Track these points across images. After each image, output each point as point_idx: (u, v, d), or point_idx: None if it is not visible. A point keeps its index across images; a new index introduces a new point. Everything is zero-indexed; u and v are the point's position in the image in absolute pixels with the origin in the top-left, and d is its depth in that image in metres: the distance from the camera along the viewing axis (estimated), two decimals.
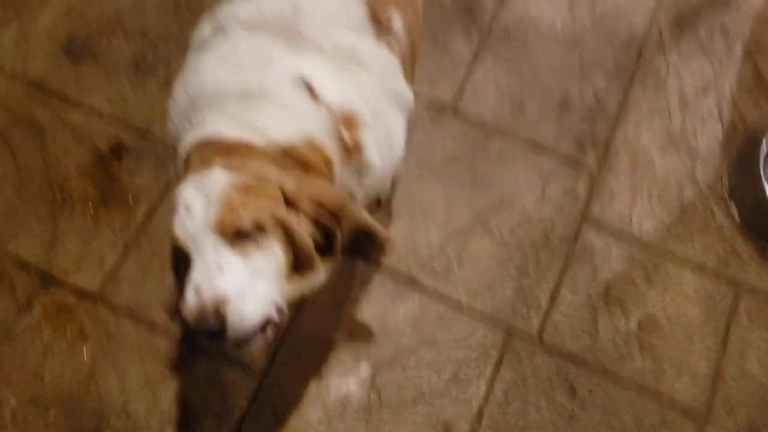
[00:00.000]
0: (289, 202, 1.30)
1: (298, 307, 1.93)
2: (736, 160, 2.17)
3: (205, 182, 1.27)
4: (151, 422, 1.84)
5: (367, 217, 1.39)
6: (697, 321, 1.99)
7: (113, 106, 2.19)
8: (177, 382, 1.88)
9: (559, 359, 1.94)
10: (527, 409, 1.88)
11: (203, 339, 1.21)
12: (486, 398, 1.89)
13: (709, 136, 2.23)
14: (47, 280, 1.98)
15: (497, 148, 2.19)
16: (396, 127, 1.59)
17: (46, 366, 1.89)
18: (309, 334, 1.94)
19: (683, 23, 2.41)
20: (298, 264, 1.32)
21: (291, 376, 1.90)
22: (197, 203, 1.26)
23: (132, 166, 2.12)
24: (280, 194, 1.29)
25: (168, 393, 1.87)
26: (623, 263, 2.05)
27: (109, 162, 2.12)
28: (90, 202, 2.07)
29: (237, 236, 1.23)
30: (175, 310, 1.85)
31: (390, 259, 2.02)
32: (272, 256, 1.26)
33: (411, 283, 2.01)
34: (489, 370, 1.92)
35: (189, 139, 1.40)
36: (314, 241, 1.33)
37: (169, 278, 1.90)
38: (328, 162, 1.40)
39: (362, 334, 1.95)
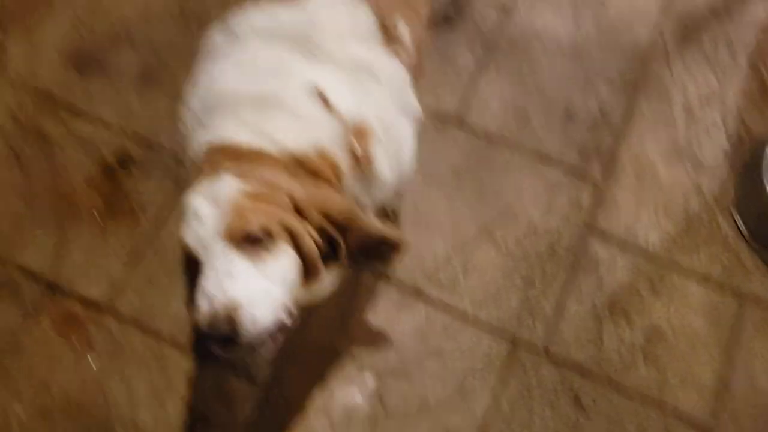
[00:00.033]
0: (297, 210, 1.31)
1: (304, 317, 1.93)
2: (742, 171, 2.17)
3: (214, 188, 1.28)
4: None
5: (377, 225, 1.41)
6: (702, 332, 1.99)
7: (120, 117, 2.21)
8: (184, 392, 1.88)
9: (564, 369, 1.94)
10: (532, 419, 1.89)
11: (214, 345, 1.22)
12: (491, 408, 1.89)
13: (714, 147, 2.23)
14: (55, 290, 1.99)
15: (502, 159, 2.20)
16: (406, 140, 1.60)
17: (53, 376, 1.90)
18: (315, 344, 1.95)
19: (688, 34, 2.41)
20: (304, 271, 1.33)
21: (297, 386, 1.91)
22: (207, 209, 1.27)
23: (139, 177, 2.13)
24: (289, 202, 1.30)
25: (175, 403, 1.87)
26: (628, 274, 2.05)
27: (116, 172, 2.14)
28: (97, 213, 2.09)
29: (246, 242, 1.24)
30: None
31: (396, 270, 2.03)
32: (282, 261, 1.27)
33: (416, 293, 2.01)
34: (494, 380, 1.92)
35: (200, 142, 1.41)
36: (320, 250, 1.34)
37: (180, 285, 1.94)
38: (338, 172, 1.41)
39: (368, 344, 1.96)
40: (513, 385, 1.92)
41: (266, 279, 1.25)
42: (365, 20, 1.54)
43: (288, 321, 1.28)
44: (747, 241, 2.09)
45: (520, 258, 2.07)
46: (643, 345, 1.96)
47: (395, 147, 1.54)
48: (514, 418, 1.88)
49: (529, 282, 2.04)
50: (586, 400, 1.91)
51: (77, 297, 1.98)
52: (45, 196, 2.11)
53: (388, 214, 2.03)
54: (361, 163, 1.44)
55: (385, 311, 1.99)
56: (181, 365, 1.90)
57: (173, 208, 2.07)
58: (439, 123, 2.23)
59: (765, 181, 2.04)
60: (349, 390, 1.90)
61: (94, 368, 1.90)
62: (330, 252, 1.36)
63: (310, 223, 1.31)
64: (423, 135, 1.66)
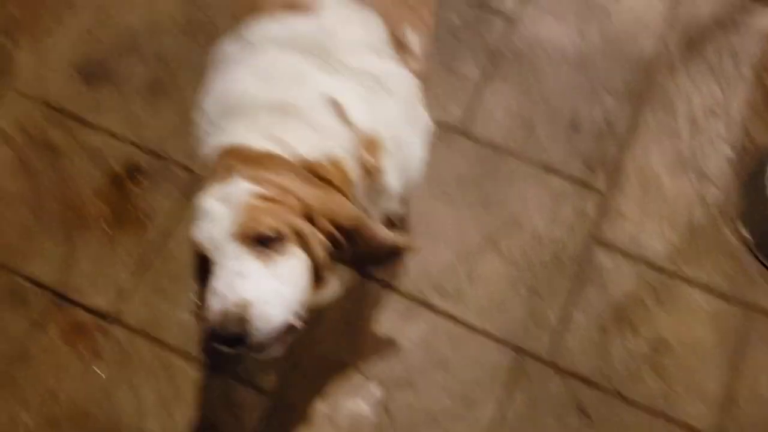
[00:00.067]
0: (307, 215, 1.32)
1: (310, 327, 1.94)
2: (746, 181, 2.17)
3: (227, 190, 1.30)
4: None
5: (385, 233, 1.42)
6: (709, 343, 1.99)
7: (128, 128, 2.22)
8: (191, 401, 1.89)
9: (569, 380, 1.94)
10: (538, 430, 1.89)
11: (224, 346, 1.23)
12: (496, 419, 1.90)
13: (718, 157, 2.24)
14: (62, 299, 2.00)
15: (508, 169, 2.21)
16: (415, 152, 1.61)
17: (61, 385, 1.91)
18: (320, 354, 1.96)
19: (692, 45, 2.42)
20: (312, 275, 1.34)
21: (303, 396, 1.91)
22: (219, 211, 1.28)
23: (146, 187, 2.15)
24: (300, 206, 1.31)
25: (182, 412, 1.88)
26: (633, 284, 2.06)
27: (123, 182, 2.15)
28: (105, 222, 2.10)
29: (257, 243, 1.25)
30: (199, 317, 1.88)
31: (401, 280, 2.04)
32: (291, 263, 1.29)
33: (422, 303, 2.02)
34: (500, 391, 1.93)
35: (214, 145, 1.42)
36: (328, 255, 1.35)
37: (188, 293, 1.95)
38: (348, 181, 1.42)
39: (374, 354, 1.96)
40: (518, 396, 1.92)
41: (276, 280, 1.26)
42: (377, 31, 1.56)
43: (296, 323, 1.30)
44: (752, 252, 2.09)
45: (525, 268, 2.07)
46: (648, 356, 1.97)
47: (404, 159, 1.56)
48: (520, 429, 1.89)
49: (535, 292, 2.04)
50: (592, 411, 1.91)
51: (85, 306, 1.99)
52: (53, 205, 2.12)
53: (394, 222, 2.04)
54: (371, 174, 1.46)
55: (390, 321, 2.00)
56: (189, 374, 1.91)
57: (181, 217, 2.08)
58: (444, 133, 2.23)
59: None
60: (355, 400, 1.91)
61: (102, 377, 1.91)
62: (337, 257, 1.38)
63: (320, 227, 1.33)
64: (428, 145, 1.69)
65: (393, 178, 1.51)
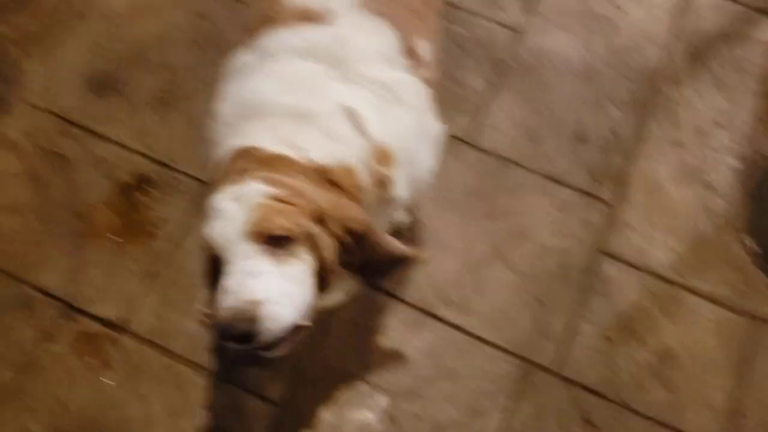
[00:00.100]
0: (318, 218, 1.34)
1: (316, 336, 1.96)
2: (752, 192, 2.18)
3: (241, 191, 1.32)
4: None
5: (392, 242, 1.44)
6: (715, 354, 1.99)
7: (137, 139, 2.24)
8: (199, 410, 1.90)
9: (576, 390, 1.95)
10: None
11: (233, 343, 1.24)
12: (503, 430, 1.90)
13: (724, 169, 2.24)
14: (72, 309, 2.01)
15: (514, 180, 2.22)
16: (425, 163, 1.64)
17: (70, 394, 1.92)
18: (327, 364, 1.96)
19: (698, 56, 2.43)
20: (319, 278, 1.36)
21: (310, 405, 1.92)
22: (233, 210, 1.30)
23: (155, 197, 2.16)
24: (312, 209, 1.33)
25: (190, 421, 1.89)
26: (640, 295, 2.06)
27: (132, 193, 2.17)
28: (114, 233, 2.11)
29: (270, 243, 1.28)
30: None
31: (407, 290, 2.04)
32: (301, 265, 1.31)
33: (428, 313, 2.02)
34: (506, 401, 1.93)
35: (230, 146, 1.44)
36: (336, 259, 1.37)
37: (196, 303, 1.96)
38: (358, 189, 1.44)
39: (380, 364, 1.97)
40: (525, 406, 1.92)
41: (286, 280, 1.28)
42: (389, 40, 1.58)
43: (304, 323, 1.32)
44: (758, 263, 2.09)
45: (532, 278, 2.08)
46: (655, 366, 1.97)
47: (414, 170, 1.58)
48: None
49: (541, 302, 2.05)
50: (598, 421, 1.91)
51: (94, 316, 2.00)
52: (63, 215, 2.14)
53: (400, 232, 2.04)
54: (382, 185, 1.48)
55: (397, 331, 2.01)
56: (197, 383, 1.92)
57: (189, 227, 2.10)
58: (450, 144, 2.23)
59: None
60: (361, 410, 1.92)
61: (111, 386, 1.92)
62: (345, 263, 1.40)
63: (330, 232, 1.35)
64: None
65: (402, 189, 1.53)
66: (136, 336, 1.98)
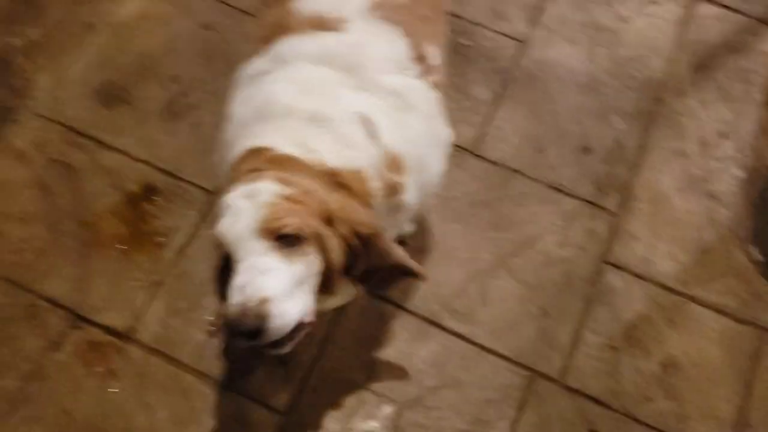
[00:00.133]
0: (327, 219, 1.36)
1: (321, 346, 1.97)
2: (757, 202, 2.18)
3: (253, 189, 1.34)
4: None
5: (399, 253, 1.45)
6: (720, 364, 1.99)
7: (145, 149, 2.25)
8: (205, 419, 1.90)
9: (581, 400, 1.95)
10: None
11: (241, 339, 1.26)
12: None
13: (729, 179, 2.25)
14: (78, 318, 2.02)
15: (519, 190, 2.22)
16: (434, 168, 1.66)
17: (76, 403, 1.92)
18: (333, 373, 1.97)
19: (702, 67, 2.44)
20: (324, 279, 1.38)
21: (315, 415, 1.92)
22: (244, 207, 1.32)
23: (162, 207, 2.17)
24: (322, 210, 1.35)
25: (195, 430, 1.89)
26: (644, 305, 2.06)
27: (139, 203, 2.18)
28: (121, 242, 2.12)
29: (279, 242, 1.29)
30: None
31: (412, 300, 2.05)
32: (309, 264, 1.33)
33: (433, 323, 2.03)
34: (511, 411, 1.93)
35: (243, 146, 1.46)
36: (342, 261, 1.39)
37: (202, 313, 1.96)
38: (368, 194, 1.45)
39: (385, 374, 1.97)
40: (530, 416, 1.92)
41: (295, 278, 1.30)
42: (400, 46, 1.60)
43: (309, 321, 1.34)
44: (763, 273, 2.09)
45: (537, 288, 2.08)
46: (659, 376, 1.97)
47: (424, 176, 1.60)
48: None
49: (546, 312, 2.05)
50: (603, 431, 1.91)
51: (100, 325, 2.01)
52: (70, 225, 2.15)
53: (405, 241, 2.05)
54: (392, 191, 1.50)
55: (402, 341, 2.01)
56: (203, 392, 1.93)
57: (196, 237, 2.11)
58: (456, 153, 2.24)
59: None
60: (367, 419, 1.92)
61: (117, 395, 1.93)
62: (350, 269, 1.42)
63: (339, 233, 1.37)
64: None
65: (411, 197, 1.55)
66: (141, 345, 1.98)
